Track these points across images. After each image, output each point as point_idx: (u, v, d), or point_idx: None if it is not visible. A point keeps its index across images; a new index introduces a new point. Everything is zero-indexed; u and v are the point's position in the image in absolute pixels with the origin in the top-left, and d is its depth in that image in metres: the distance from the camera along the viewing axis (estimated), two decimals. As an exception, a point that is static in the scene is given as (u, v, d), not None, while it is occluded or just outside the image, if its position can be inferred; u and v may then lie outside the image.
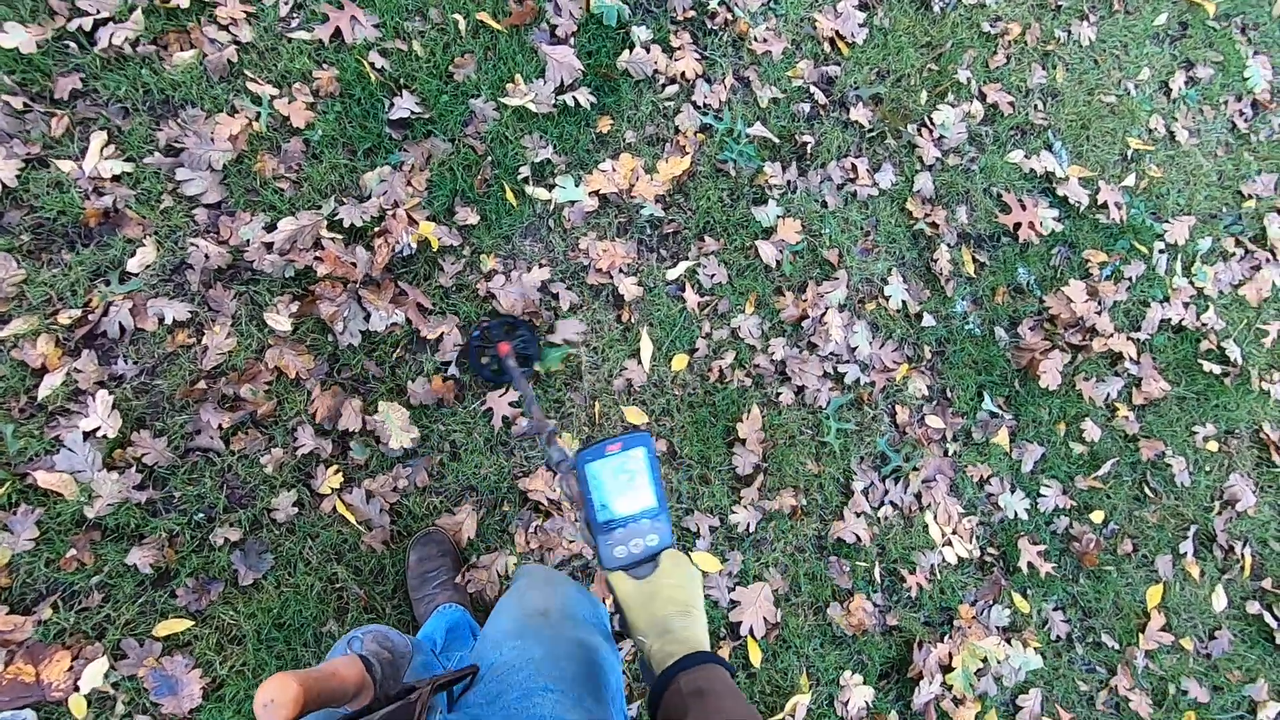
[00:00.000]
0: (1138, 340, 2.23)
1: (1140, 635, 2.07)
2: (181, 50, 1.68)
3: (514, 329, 1.71)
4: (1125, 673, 2.03)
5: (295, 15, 1.77)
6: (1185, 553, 2.16)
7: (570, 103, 1.89)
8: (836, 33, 2.16)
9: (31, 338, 1.49)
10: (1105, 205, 2.28)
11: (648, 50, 1.98)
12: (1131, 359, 2.21)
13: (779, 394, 1.92)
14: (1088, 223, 2.27)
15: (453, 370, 1.71)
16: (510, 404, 1.73)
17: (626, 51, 1.96)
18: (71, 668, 1.40)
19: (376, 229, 1.71)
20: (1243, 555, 2.21)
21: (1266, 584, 2.21)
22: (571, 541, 1.70)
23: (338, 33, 1.78)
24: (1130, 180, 2.34)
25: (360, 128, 1.75)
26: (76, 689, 1.40)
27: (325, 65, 1.76)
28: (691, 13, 2.04)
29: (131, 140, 1.62)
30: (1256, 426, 2.32)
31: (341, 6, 1.78)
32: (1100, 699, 2.01)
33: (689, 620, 0.76)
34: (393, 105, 1.78)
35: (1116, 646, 2.06)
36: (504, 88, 1.86)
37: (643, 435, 0.82)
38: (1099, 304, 2.21)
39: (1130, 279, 2.27)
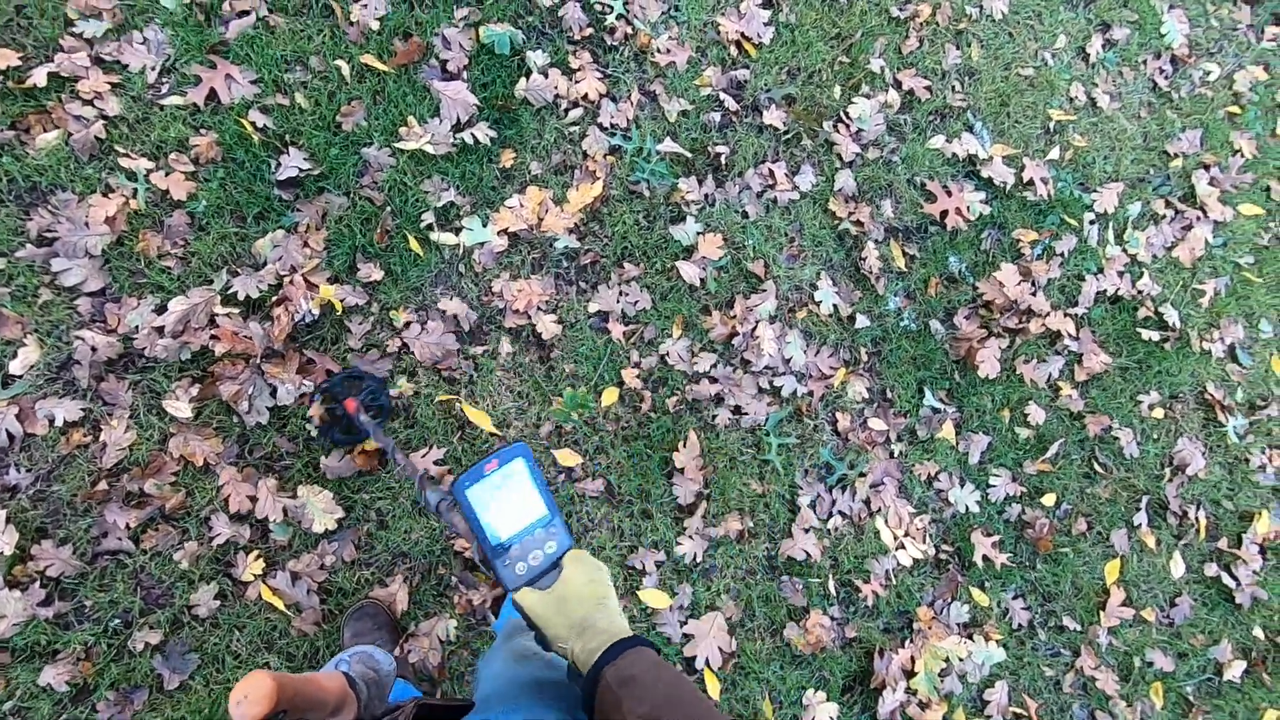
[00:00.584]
0: (1075, 316, 2.23)
1: (1101, 613, 2.09)
2: (44, 131, 1.61)
3: (357, 380, 1.62)
4: (1089, 652, 2.06)
5: (165, 80, 1.70)
6: (1140, 524, 2.18)
7: (469, 140, 1.84)
8: (742, 34, 2.11)
9: (-88, 458, 1.43)
10: (1031, 182, 2.27)
11: (546, 75, 1.93)
12: (1070, 335, 2.21)
13: (715, 416, 1.90)
14: (1015, 202, 2.26)
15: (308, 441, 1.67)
16: (435, 462, 1.69)
17: (523, 79, 1.91)
18: (-7, 801, 1.35)
19: (275, 298, 1.65)
20: (1197, 519, 2.24)
21: (1222, 544, 2.24)
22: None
23: (213, 94, 1.70)
24: (1055, 153, 2.33)
25: (247, 192, 1.69)
26: (1, 822, 1.35)
27: (203, 130, 1.69)
28: (589, 30, 1.99)
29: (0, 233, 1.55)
30: (1200, 388, 2.34)
31: (214, 66, 1.71)
32: (1067, 681, 2.04)
33: (604, 611, 0.76)
34: (279, 164, 1.71)
35: (1079, 627, 2.08)
36: (397, 132, 1.80)
37: (519, 446, 0.80)
38: (1033, 284, 2.21)
39: (1063, 254, 2.26)
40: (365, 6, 1.83)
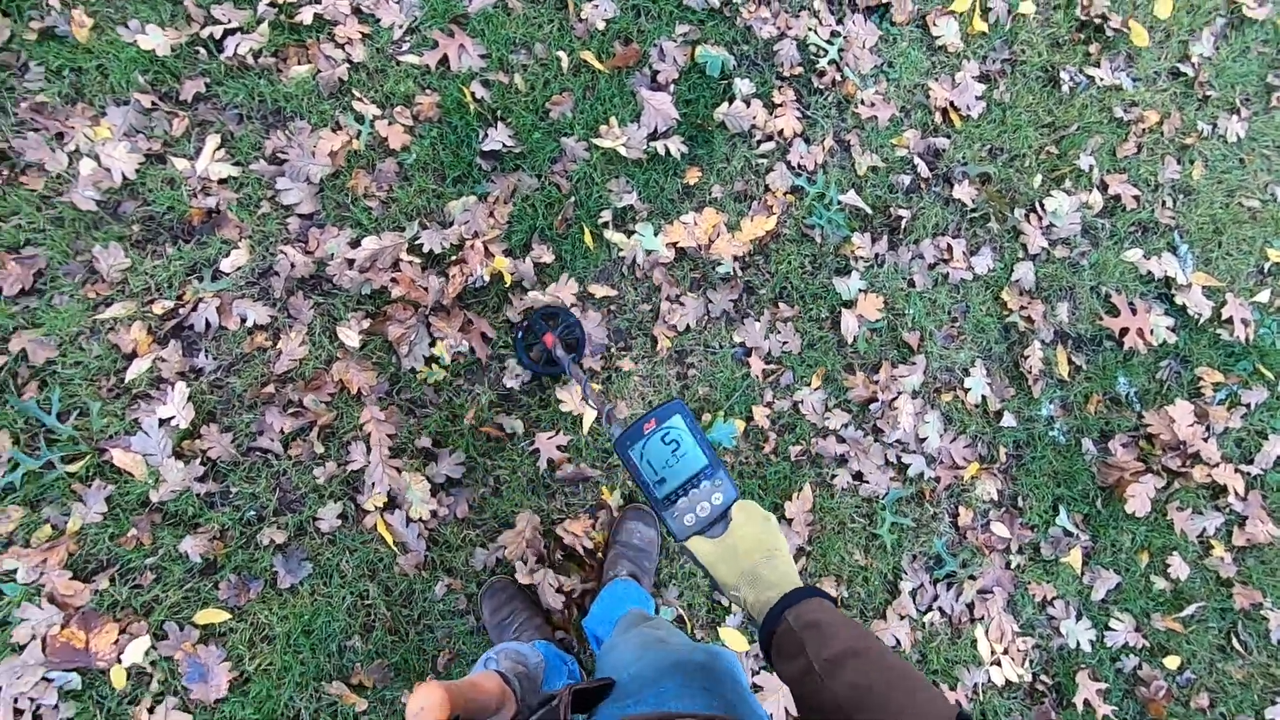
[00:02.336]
0: (1247, 475, 2.26)
1: (1205, 802, 2.10)
2: (298, 64, 1.97)
3: (555, 318, 1.95)
4: (1181, 841, 2.07)
5: (408, 39, 2.05)
6: (1272, 718, 2.17)
7: (661, 150, 2.10)
8: (951, 103, 2.30)
9: (127, 323, 1.79)
10: (1230, 321, 2.33)
11: (748, 104, 2.17)
12: (1237, 494, 2.24)
13: (834, 476, 2.06)
14: (1206, 337, 2.32)
15: (511, 381, 1.93)
16: (558, 448, 1.93)
17: (726, 104, 2.16)
18: (117, 640, 1.67)
19: (454, 257, 1.95)
20: (1341, 734, 2.20)
21: (1366, 771, 2.19)
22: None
23: (445, 60, 2.04)
24: (1264, 296, 2.38)
25: (453, 155, 2.00)
26: (119, 661, 1.66)
27: (428, 90, 2.02)
28: (799, 69, 2.22)
29: (242, 146, 1.91)
30: (1379, 590, 2.30)
31: (452, 34, 2.05)
32: None
33: (775, 562, 0.86)
34: (486, 136, 2.02)
35: (1175, 810, 2.09)
36: (597, 129, 2.08)
37: (674, 403, 0.93)
38: (1207, 429, 2.25)
39: (1248, 406, 2.30)
40: (596, 6, 2.14)
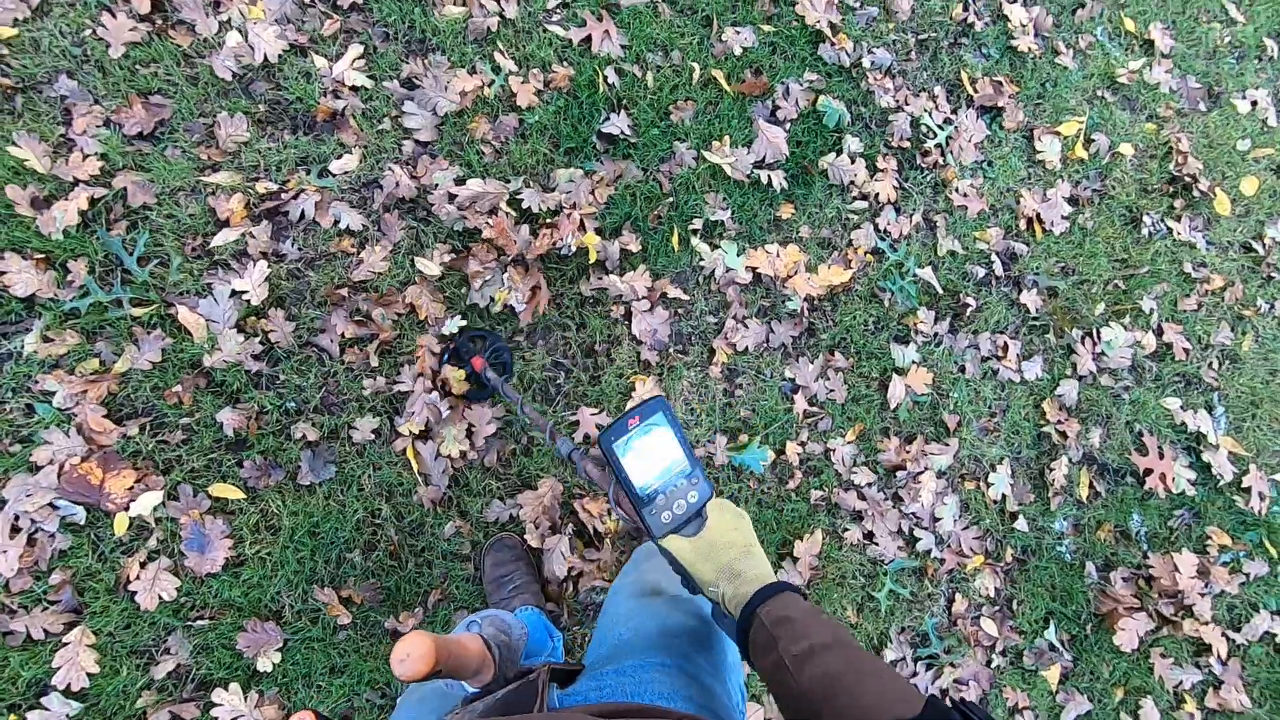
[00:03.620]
0: (1233, 641, 2.32)
1: None
2: (454, 4, 2.08)
3: (483, 340, 1.94)
4: None
5: (559, 11, 2.16)
6: None
7: (763, 179, 2.20)
8: (1037, 215, 2.42)
9: (229, 192, 1.85)
10: (1248, 490, 2.42)
11: (853, 161, 2.29)
12: (1220, 657, 2.30)
13: (846, 530, 2.11)
14: (1223, 499, 2.41)
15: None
16: (597, 426, 1.98)
17: (833, 154, 2.27)
18: (132, 488, 1.69)
19: (548, 220, 2.03)
20: None
21: None
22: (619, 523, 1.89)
23: (588, 40, 2.15)
24: (1284, 476, 2.48)
25: (572, 128, 2.09)
26: (127, 509, 1.68)
27: (565, 63, 2.13)
28: (906, 143, 2.35)
29: (381, 62, 2.00)
30: (1333, 790, 2.35)
31: (601, 19, 2.16)
32: None
33: (752, 558, 0.88)
34: (608, 119, 2.12)
35: None
36: (710, 143, 2.19)
37: (657, 399, 0.94)
38: (1205, 586, 2.32)
39: (1248, 575, 2.38)
40: (738, 33, 2.27)
